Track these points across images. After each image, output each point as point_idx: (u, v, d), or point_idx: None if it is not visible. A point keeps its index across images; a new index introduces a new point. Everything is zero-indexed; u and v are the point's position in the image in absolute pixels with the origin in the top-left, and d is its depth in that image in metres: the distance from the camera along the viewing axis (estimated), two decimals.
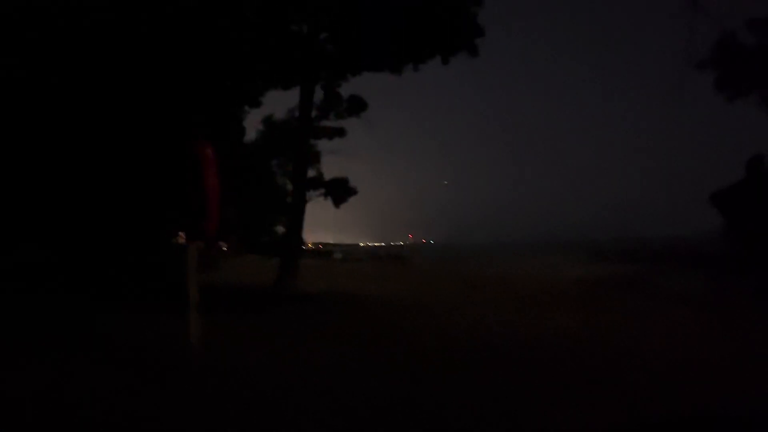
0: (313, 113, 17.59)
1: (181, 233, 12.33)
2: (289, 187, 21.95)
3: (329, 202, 24.11)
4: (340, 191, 23.17)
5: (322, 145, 26.13)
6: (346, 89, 17.69)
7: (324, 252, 67.20)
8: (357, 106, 17.91)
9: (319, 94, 17.21)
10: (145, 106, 11.13)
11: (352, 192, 23.57)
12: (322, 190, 23.50)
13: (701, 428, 1.11)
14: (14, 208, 10.60)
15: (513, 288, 18.11)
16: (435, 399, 4.43)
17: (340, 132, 20.03)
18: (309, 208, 20.25)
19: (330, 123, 19.46)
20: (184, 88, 11.41)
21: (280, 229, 28.63)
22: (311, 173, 25.24)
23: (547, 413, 4.12)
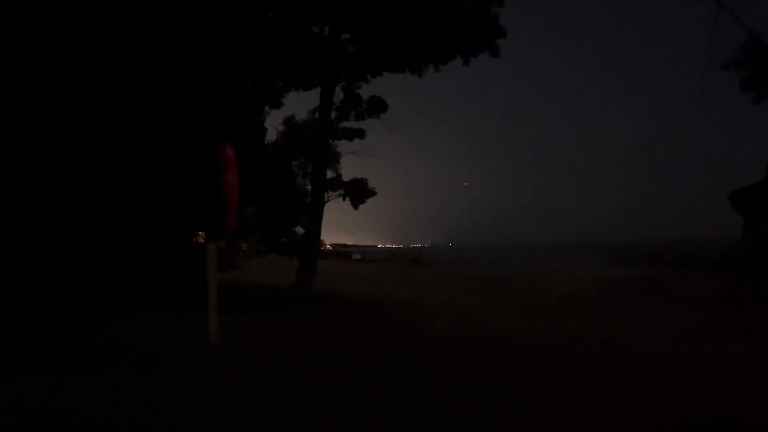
0: (333, 114, 17.65)
1: (201, 233, 12.46)
2: (309, 187, 22.04)
3: (348, 203, 24.19)
4: (358, 192, 23.22)
5: (342, 146, 26.28)
6: (366, 90, 17.74)
7: (343, 253, 67.33)
8: (377, 106, 17.92)
9: (339, 95, 17.28)
10: (164, 106, 11.24)
11: (370, 193, 23.61)
12: (341, 191, 23.56)
13: None
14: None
15: (532, 291, 17.98)
16: (440, 394, 4.42)
17: (360, 133, 20.05)
18: (328, 208, 20.35)
19: (350, 124, 19.52)
20: (204, 89, 11.51)
21: (300, 229, 28.79)
22: (330, 174, 25.40)
23: (557, 416, 4.08)
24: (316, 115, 18.86)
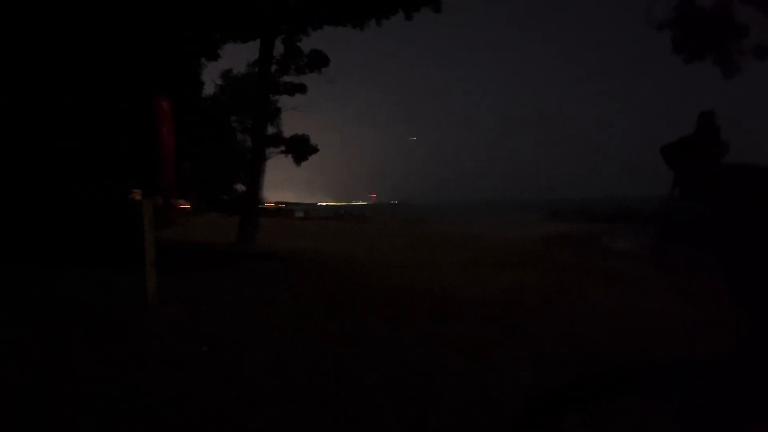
0: (274, 68, 17.23)
1: (136, 190, 12.06)
2: (249, 143, 21.58)
3: (290, 160, 23.86)
4: (300, 149, 22.92)
5: (283, 101, 25.73)
6: (308, 45, 17.36)
7: (285, 211, 66.84)
8: (318, 60, 17.61)
9: (279, 49, 16.86)
10: (93, 56, 10.66)
11: (313, 150, 23.34)
12: (283, 148, 23.19)
13: (648, 376, 1.17)
14: None
15: (471, 246, 18.41)
16: (382, 346, 4.51)
17: (301, 88, 19.68)
18: (270, 166, 20.04)
19: (291, 78, 19.12)
20: (136, 39, 10.96)
21: (240, 186, 28.27)
22: (271, 130, 24.90)
23: (498, 359, 4.24)
24: (256, 68, 18.37)
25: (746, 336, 1.21)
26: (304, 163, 23.03)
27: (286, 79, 19.05)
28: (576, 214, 55.04)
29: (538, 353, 4.62)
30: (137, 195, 10.01)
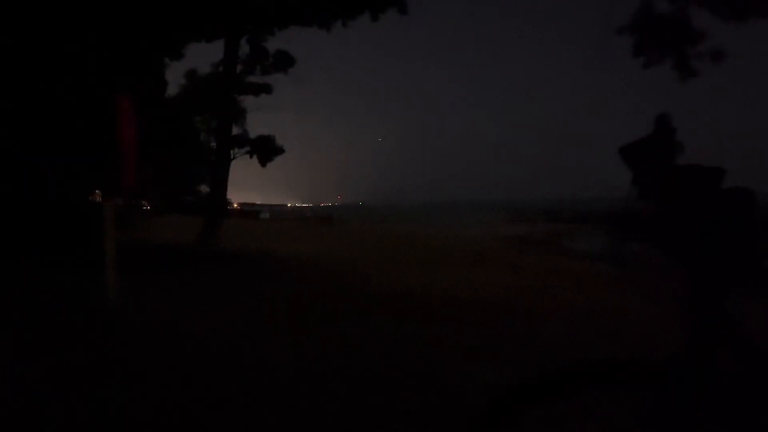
0: (239, 68, 17.06)
1: (97, 190, 11.78)
2: (213, 144, 21.34)
3: (256, 161, 23.67)
4: (266, 149, 22.81)
5: (249, 102, 25.53)
6: (273, 44, 17.25)
7: (250, 212, 66.27)
8: (284, 60, 17.52)
9: (245, 49, 16.72)
10: (50, 53, 10.39)
11: (279, 150, 23.24)
12: (248, 148, 23.02)
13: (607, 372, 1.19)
14: None
15: (434, 246, 18.53)
16: (348, 349, 4.52)
17: (267, 88, 19.56)
18: (236, 166, 19.86)
19: (256, 78, 18.98)
20: (97, 35, 10.72)
21: (204, 188, 27.91)
22: (237, 130, 24.67)
23: (460, 363, 4.28)
24: (221, 68, 18.19)
25: (698, 333, 1.25)
26: (271, 165, 22.94)
27: (252, 79, 18.92)
28: (537, 215, 56.05)
29: (496, 351, 4.67)
30: (98, 196, 9.80)
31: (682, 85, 11.29)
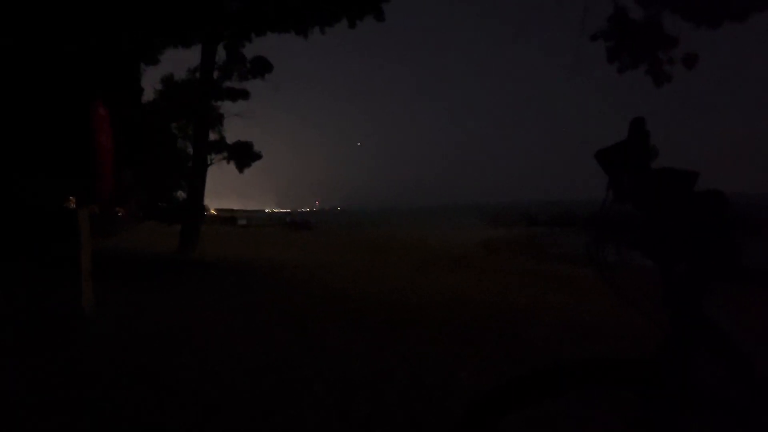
0: (216, 74, 16.97)
1: (71, 197, 11.61)
2: (191, 150, 21.15)
3: (233, 167, 23.51)
4: (244, 155, 22.67)
5: (226, 108, 25.36)
6: (250, 50, 17.18)
7: (228, 218, 65.75)
8: (261, 66, 17.44)
9: (222, 55, 16.62)
10: (24, 58, 10.23)
11: (256, 156, 23.11)
12: (225, 154, 22.85)
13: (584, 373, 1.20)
14: None
15: (414, 251, 18.58)
16: (329, 354, 4.51)
17: (244, 94, 19.47)
18: (213, 173, 19.69)
19: (233, 84, 18.87)
20: (72, 40, 10.58)
21: (181, 194, 27.63)
22: (214, 136, 24.49)
23: (441, 367, 4.30)
24: (197, 74, 18.06)
25: (674, 333, 1.27)
26: (249, 170, 22.80)
27: (229, 84, 18.81)
28: (516, 218, 56.51)
29: (478, 353, 4.70)
30: (73, 203, 9.66)
31: (658, 90, 11.50)
